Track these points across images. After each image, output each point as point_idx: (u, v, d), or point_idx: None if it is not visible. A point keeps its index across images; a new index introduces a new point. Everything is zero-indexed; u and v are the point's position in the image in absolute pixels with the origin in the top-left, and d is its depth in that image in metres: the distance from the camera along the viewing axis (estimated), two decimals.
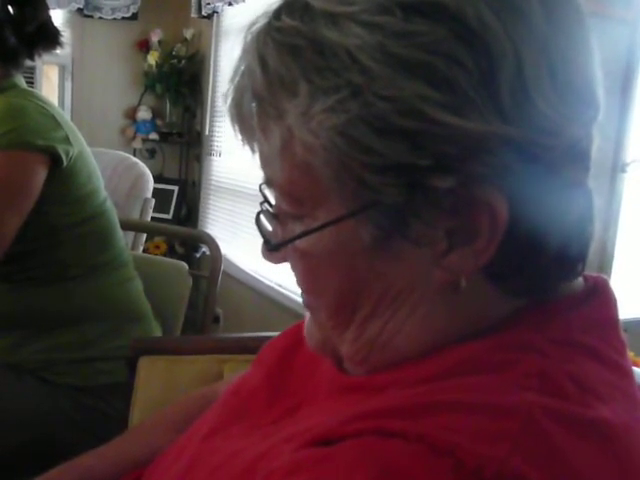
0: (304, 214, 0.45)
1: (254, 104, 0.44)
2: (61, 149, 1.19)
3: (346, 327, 0.47)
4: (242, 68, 0.45)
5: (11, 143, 1.14)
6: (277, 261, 0.49)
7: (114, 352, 1.27)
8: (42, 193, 1.18)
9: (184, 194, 3.62)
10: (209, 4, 3.17)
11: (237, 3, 2.99)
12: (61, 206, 1.24)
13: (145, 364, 1.01)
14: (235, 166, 3.26)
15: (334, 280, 0.46)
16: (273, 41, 0.43)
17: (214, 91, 3.44)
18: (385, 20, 0.39)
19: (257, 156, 0.47)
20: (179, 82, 3.52)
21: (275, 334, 1.11)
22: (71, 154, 1.21)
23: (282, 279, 2.70)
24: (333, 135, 0.40)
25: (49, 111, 1.21)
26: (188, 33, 3.53)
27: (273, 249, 0.48)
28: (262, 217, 0.50)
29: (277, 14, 0.44)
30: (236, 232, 3.15)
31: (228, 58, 3.33)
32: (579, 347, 0.43)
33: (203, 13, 3.24)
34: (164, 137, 3.63)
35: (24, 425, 1.20)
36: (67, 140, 1.21)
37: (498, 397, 0.39)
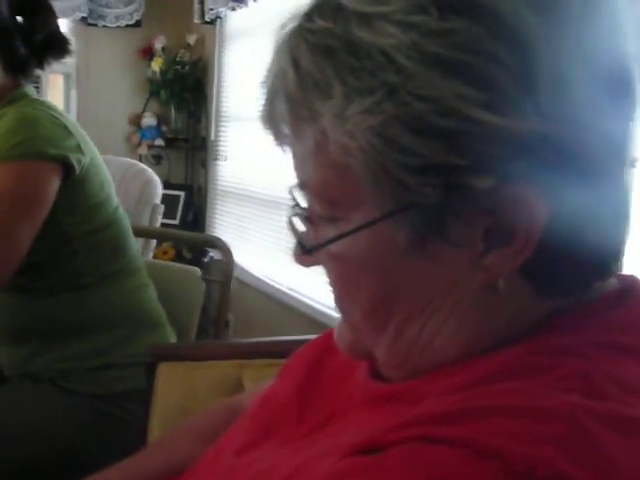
0: (338, 217, 0.44)
1: (287, 106, 0.44)
2: (73, 158, 1.19)
3: (382, 330, 0.47)
4: (274, 71, 0.45)
5: (24, 153, 1.14)
6: (309, 264, 0.49)
7: (130, 359, 1.27)
8: (55, 202, 1.18)
9: (191, 199, 3.63)
10: (212, 10, 3.17)
11: (240, 8, 2.99)
12: (74, 215, 1.24)
13: (164, 370, 1.01)
14: (241, 171, 3.26)
15: (369, 283, 0.45)
16: (306, 43, 0.42)
17: (219, 96, 3.45)
18: (420, 19, 0.39)
19: (289, 158, 0.47)
20: (183, 88, 3.53)
21: (293, 338, 1.11)
22: (83, 162, 1.21)
23: (292, 283, 2.69)
24: (369, 136, 0.40)
25: (60, 120, 1.22)
26: (191, 39, 3.54)
27: (307, 252, 0.47)
28: (294, 220, 0.49)
29: (309, 16, 0.43)
30: (243, 236, 3.14)
31: (232, 63, 3.33)
32: (618, 348, 0.43)
33: (206, 19, 3.24)
34: (169, 143, 3.64)
35: (42, 434, 1.20)
36: (79, 148, 1.21)
37: (541, 400, 0.38)
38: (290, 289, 2.69)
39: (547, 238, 0.41)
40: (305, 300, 2.54)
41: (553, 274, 0.43)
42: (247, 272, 2.97)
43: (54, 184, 1.17)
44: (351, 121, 0.40)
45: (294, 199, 0.49)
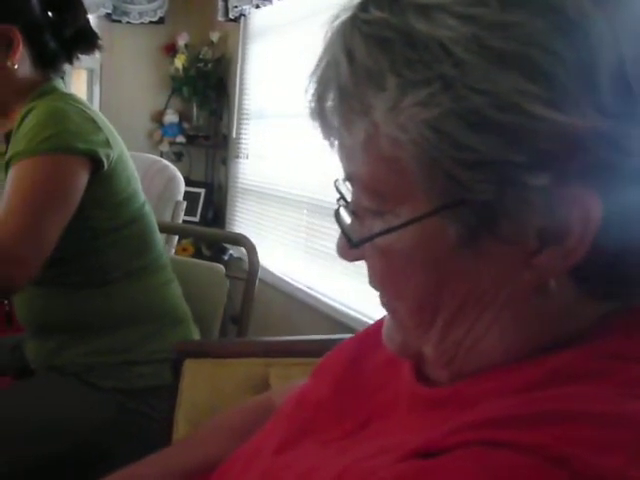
0: (386, 210, 0.44)
1: (338, 98, 0.43)
2: (102, 152, 1.19)
3: (429, 328, 0.46)
4: (325, 61, 0.44)
5: (53, 147, 1.14)
6: (353, 258, 0.48)
7: (155, 355, 1.27)
8: (83, 197, 1.18)
9: (211, 197, 3.63)
10: (236, 7, 3.17)
11: (264, 6, 2.99)
12: (102, 210, 1.24)
13: (190, 367, 1.01)
14: (262, 168, 3.26)
15: (416, 279, 0.44)
16: (361, 34, 0.42)
17: (241, 94, 3.45)
18: (480, 11, 0.38)
19: (336, 151, 0.46)
20: (206, 85, 3.53)
21: (320, 337, 1.10)
22: (111, 157, 1.21)
23: (311, 281, 2.69)
24: (424, 130, 0.39)
25: (89, 114, 1.22)
26: (215, 36, 3.54)
27: (354, 246, 0.46)
28: (341, 212, 0.48)
29: (364, 6, 0.43)
30: (263, 234, 3.14)
31: (255, 61, 3.33)
32: None
33: (230, 16, 3.25)
34: (191, 140, 3.64)
35: (66, 428, 1.20)
36: (108, 143, 1.21)
37: (605, 406, 0.37)
38: (309, 288, 2.68)
39: (600, 239, 0.40)
40: (324, 299, 2.54)
41: (605, 276, 0.42)
42: (266, 270, 2.97)
43: (83, 179, 1.17)
44: (405, 114, 0.40)
45: (340, 192, 0.48)
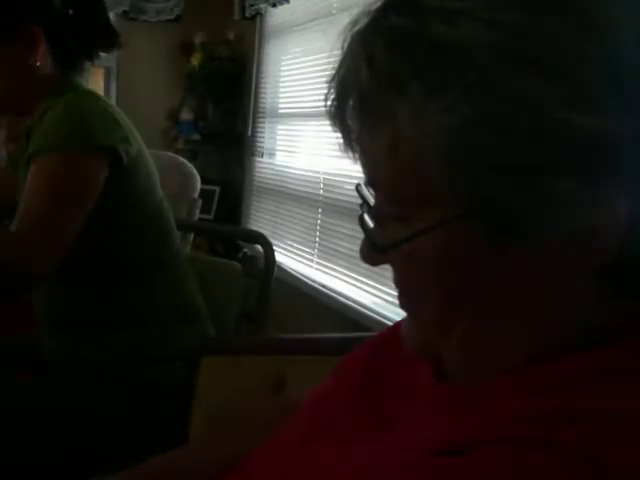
0: (409, 215, 0.44)
1: (359, 104, 0.43)
2: (122, 148, 1.19)
3: (451, 330, 0.46)
4: (345, 67, 0.44)
5: (73, 143, 1.15)
6: (377, 263, 0.48)
7: (171, 352, 1.27)
8: (103, 193, 1.19)
9: (226, 195, 3.64)
10: (253, 5, 3.18)
11: (281, 4, 2.99)
12: (120, 206, 1.25)
13: (208, 364, 1.01)
14: (278, 167, 3.27)
15: (440, 283, 0.44)
16: (382, 40, 0.42)
17: (257, 92, 3.45)
18: (502, 16, 0.38)
19: (358, 157, 0.46)
20: (221, 83, 3.54)
21: (338, 336, 1.11)
22: (131, 153, 1.22)
23: (326, 280, 2.69)
24: (447, 135, 0.39)
25: (109, 111, 1.22)
26: (231, 35, 3.55)
27: (379, 251, 0.47)
28: (365, 217, 0.49)
29: (384, 12, 0.43)
30: (279, 232, 3.15)
31: (271, 60, 3.34)
32: None
33: (246, 15, 3.25)
34: (206, 138, 3.65)
35: (81, 423, 1.21)
36: (127, 139, 1.22)
37: (632, 403, 0.37)
38: (323, 286, 2.68)
39: (626, 239, 0.40)
40: (339, 298, 2.54)
41: (631, 276, 0.42)
42: (282, 268, 2.97)
43: (102, 175, 1.17)
44: (427, 120, 0.40)
45: (362, 197, 0.49)
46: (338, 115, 0.46)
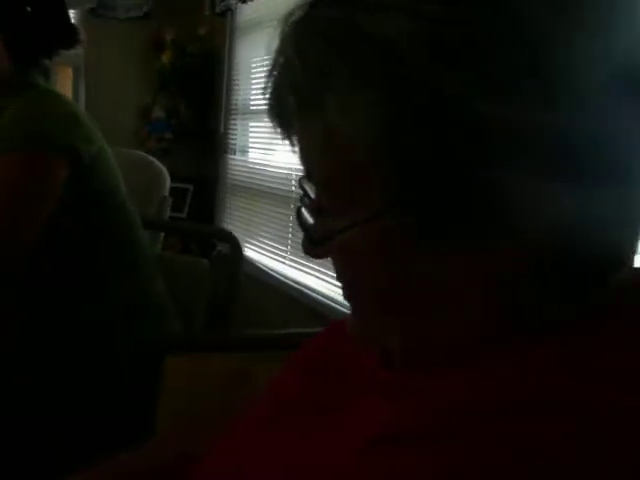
0: (345, 208, 0.44)
1: (293, 98, 0.43)
2: (82, 147, 1.18)
3: (390, 321, 0.46)
4: (280, 61, 0.44)
5: (32, 143, 1.14)
6: (318, 256, 0.49)
7: (137, 350, 1.26)
8: (63, 193, 1.17)
9: (199, 193, 3.62)
10: (223, 1, 3.16)
11: (252, 0, 2.98)
12: (82, 206, 1.23)
13: (172, 362, 1.01)
14: (250, 164, 3.26)
15: (376, 274, 0.45)
16: (312, 32, 0.42)
17: (229, 89, 3.44)
18: (427, 8, 0.38)
19: (296, 150, 0.46)
20: (193, 81, 3.52)
21: (302, 331, 1.10)
22: (92, 152, 1.21)
23: (299, 276, 2.69)
24: (375, 128, 0.39)
25: (68, 109, 1.21)
26: (202, 31, 3.52)
27: (315, 244, 0.47)
28: (303, 211, 0.49)
29: (314, 4, 0.43)
30: (253, 229, 3.14)
31: (243, 56, 3.32)
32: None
33: (217, 11, 3.24)
34: (178, 136, 3.62)
35: (51, 423, 1.20)
36: (87, 138, 1.20)
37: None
38: (296, 283, 2.68)
39: (553, 235, 0.40)
40: (311, 294, 2.54)
41: (565, 275, 0.42)
42: (255, 265, 2.96)
43: (62, 175, 1.16)
44: (356, 112, 0.40)
45: (303, 190, 0.49)
46: (277, 110, 0.46)
